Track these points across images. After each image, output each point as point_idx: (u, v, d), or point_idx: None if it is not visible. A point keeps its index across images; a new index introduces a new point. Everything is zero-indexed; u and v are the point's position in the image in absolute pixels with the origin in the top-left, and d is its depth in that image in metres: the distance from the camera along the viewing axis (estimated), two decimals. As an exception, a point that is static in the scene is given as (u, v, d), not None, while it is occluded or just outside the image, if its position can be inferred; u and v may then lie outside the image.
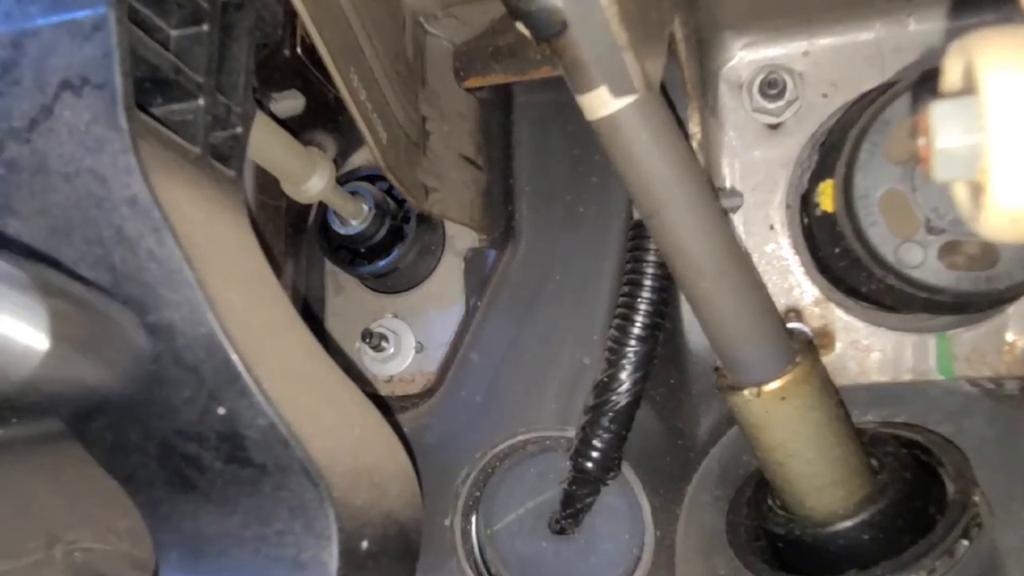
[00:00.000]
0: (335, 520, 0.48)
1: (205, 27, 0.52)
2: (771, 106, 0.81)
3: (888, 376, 0.79)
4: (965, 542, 0.63)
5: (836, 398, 0.67)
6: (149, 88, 0.49)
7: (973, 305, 0.67)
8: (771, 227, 0.82)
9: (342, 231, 0.89)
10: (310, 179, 0.72)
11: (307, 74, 0.72)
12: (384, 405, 0.86)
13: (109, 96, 0.43)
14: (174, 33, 0.51)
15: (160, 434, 0.46)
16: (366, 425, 0.58)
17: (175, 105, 0.51)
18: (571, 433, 0.80)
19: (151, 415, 0.46)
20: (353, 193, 0.88)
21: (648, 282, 0.77)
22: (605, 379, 0.77)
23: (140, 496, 0.48)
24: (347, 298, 1.00)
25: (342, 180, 0.90)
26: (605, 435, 0.77)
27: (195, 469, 0.47)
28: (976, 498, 0.66)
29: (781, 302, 0.82)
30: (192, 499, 0.47)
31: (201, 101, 0.51)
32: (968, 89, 0.39)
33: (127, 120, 0.43)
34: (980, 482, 0.67)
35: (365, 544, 0.50)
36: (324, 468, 0.48)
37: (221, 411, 0.45)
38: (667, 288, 0.78)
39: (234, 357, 0.45)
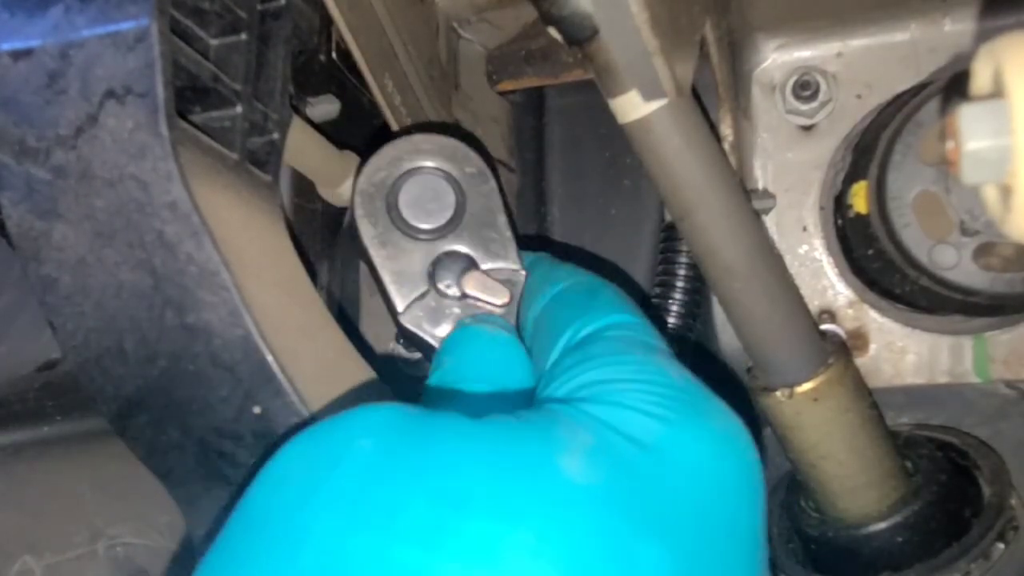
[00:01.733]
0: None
1: (243, 36, 0.53)
2: (804, 108, 0.80)
3: (923, 378, 0.78)
4: (1001, 545, 0.63)
5: (869, 400, 0.67)
6: (189, 96, 0.51)
7: (1009, 307, 0.66)
8: (804, 229, 0.82)
9: (376, 233, 0.90)
10: (345, 182, 0.73)
11: (342, 79, 0.73)
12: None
13: (151, 105, 0.44)
14: (213, 43, 0.53)
15: (198, 431, 0.48)
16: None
17: (214, 112, 0.52)
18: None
19: (189, 413, 0.47)
20: (387, 196, 0.89)
21: (680, 283, 0.77)
22: (637, 380, 0.77)
23: (178, 492, 0.49)
24: (381, 300, 1.01)
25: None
26: (637, 436, 0.77)
27: (231, 466, 0.48)
28: (1013, 501, 0.65)
29: (815, 304, 0.81)
30: (228, 495, 0.48)
31: (239, 108, 0.53)
32: (997, 92, 0.39)
33: (168, 128, 0.44)
34: (1017, 485, 0.66)
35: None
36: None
37: (256, 410, 0.47)
38: (699, 290, 0.78)
39: (269, 358, 0.46)
